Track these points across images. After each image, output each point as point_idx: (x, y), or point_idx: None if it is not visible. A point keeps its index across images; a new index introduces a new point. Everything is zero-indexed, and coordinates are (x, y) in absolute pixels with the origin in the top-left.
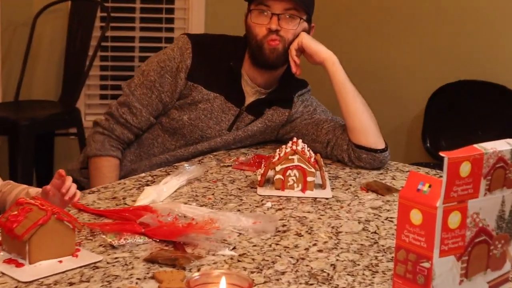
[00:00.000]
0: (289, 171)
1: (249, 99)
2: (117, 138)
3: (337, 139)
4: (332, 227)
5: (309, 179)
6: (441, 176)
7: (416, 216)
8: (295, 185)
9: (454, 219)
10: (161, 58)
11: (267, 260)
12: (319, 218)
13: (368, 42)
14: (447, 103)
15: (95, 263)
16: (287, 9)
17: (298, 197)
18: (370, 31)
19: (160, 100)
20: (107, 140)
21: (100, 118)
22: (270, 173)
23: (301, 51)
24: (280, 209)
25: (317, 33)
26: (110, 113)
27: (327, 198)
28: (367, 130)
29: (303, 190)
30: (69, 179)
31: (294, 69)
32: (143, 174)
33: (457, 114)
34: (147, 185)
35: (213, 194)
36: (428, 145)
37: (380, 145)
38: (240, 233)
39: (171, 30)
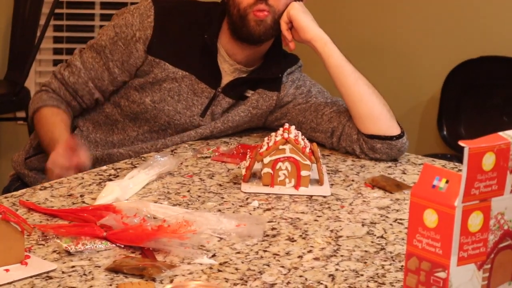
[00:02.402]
0: (280, 164)
1: (227, 78)
2: (54, 92)
3: (344, 128)
4: (331, 231)
5: (303, 173)
6: (460, 170)
7: (430, 217)
8: (287, 180)
9: (475, 221)
10: (119, 22)
11: (253, 270)
12: (316, 220)
13: (372, 9)
14: (467, 83)
15: (48, 272)
16: None
17: (290, 195)
18: None
19: (107, 68)
20: (45, 93)
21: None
22: (257, 166)
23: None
24: (268, 209)
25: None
26: (53, 71)
27: (325, 196)
28: (377, 116)
29: (296, 186)
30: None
31: (291, 45)
32: (104, 167)
33: (479, 96)
34: (110, 180)
35: (188, 191)
36: (445, 133)
37: (395, 130)
38: (220, 238)
39: None
